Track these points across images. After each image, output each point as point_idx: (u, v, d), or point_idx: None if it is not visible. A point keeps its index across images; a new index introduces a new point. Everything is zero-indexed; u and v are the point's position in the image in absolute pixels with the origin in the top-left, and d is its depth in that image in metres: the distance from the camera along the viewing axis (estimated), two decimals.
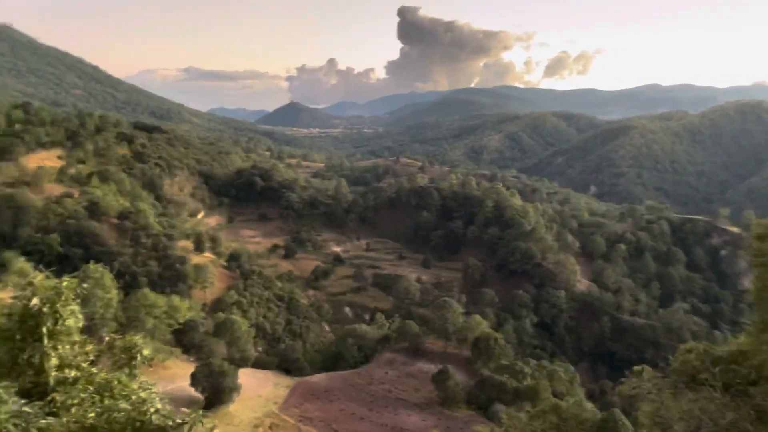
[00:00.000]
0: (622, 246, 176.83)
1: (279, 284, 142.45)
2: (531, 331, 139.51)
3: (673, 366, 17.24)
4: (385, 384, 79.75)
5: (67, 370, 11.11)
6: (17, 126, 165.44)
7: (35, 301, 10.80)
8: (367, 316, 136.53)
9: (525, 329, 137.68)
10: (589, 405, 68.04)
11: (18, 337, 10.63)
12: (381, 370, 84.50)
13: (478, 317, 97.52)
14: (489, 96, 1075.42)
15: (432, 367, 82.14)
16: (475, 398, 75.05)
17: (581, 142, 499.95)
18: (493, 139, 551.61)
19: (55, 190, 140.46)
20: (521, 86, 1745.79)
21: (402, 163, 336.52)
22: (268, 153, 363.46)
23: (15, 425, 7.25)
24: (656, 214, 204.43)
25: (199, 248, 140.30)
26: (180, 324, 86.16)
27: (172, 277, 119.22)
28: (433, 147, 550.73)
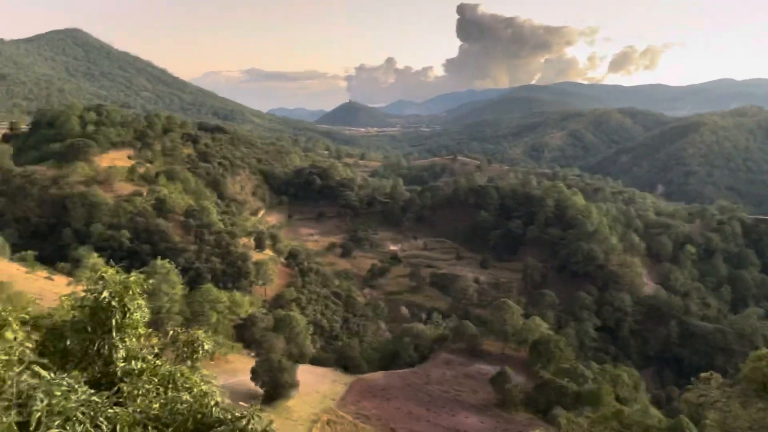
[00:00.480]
0: (691, 248, 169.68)
1: (336, 282, 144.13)
2: (593, 334, 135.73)
3: (743, 373, 16.44)
4: (442, 384, 79.35)
5: (133, 362, 11.50)
6: (90, 127, 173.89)
7: (105, 294, 11.25)
8: (423, 316, 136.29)
9: (587, 332, 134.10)
10: (655, 412, 65.59)
11: (89, 329, 11.08)
12: (438, 370, 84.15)
13: (537, 319, 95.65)
14: (550, 93, 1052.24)
15: (490, 369, 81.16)
16: (534, 401, 73.68)
17: (648, 139, 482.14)
18: (554, 137, 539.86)
19: (126, 188, 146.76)
20: (584, 82, 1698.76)
21: (460, 161, 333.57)
22: (326, 152, 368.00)
23: (83, 413, 7.53)
24: (728, 214, 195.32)
25: (259, 246, 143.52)
26: (242, 319, 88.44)
27: (234, 274, 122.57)
28: (492, 145, 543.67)
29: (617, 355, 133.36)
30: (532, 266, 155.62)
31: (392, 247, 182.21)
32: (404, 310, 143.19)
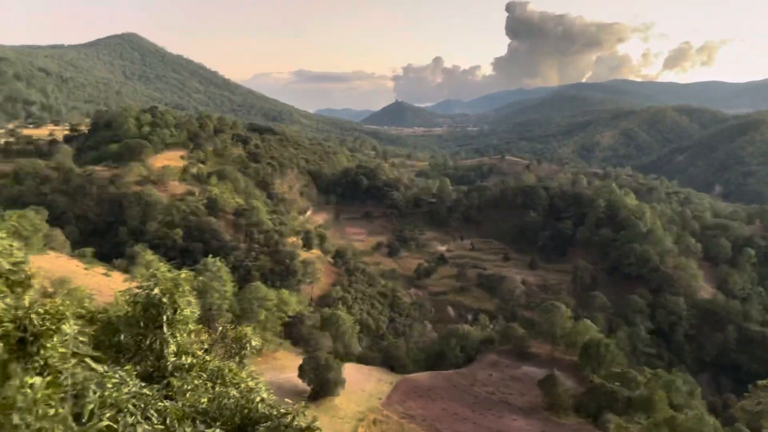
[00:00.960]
0: (751, 250, 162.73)
1: (382, 282, 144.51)
2: (646, 338, 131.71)
3: None
4: (488, 386, 78.46)
5: (183, 357, 11.78)
6: (146, 128, 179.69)
7: (156, 291, 11.55)
8: (469, 317, 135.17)
9: (639, 336, 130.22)
10: (710, 419, 63.19)
11: (141, 324, 11.41)
12: (484, 372, 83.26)
13: (587, 322, 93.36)
14: (602, 90, 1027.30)
15: (538, 372, 79.79)
16: (583, 406, 71.98)
17: (705, 138, 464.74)
18: (605, 136, 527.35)
19: (179, 188, 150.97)
20: (638, 80, 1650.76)
21: (508, 161, 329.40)
22: (373, 152, 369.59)
23: (134, 405, 7.74)
24: None
25: (307, 245, 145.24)
26: (289, 317, 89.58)
27: (282, 272, 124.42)
28: (541, 145, 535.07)
29: (671, 360, 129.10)
30: (582, 268, 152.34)
31: (439, 248, 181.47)
32: (450, 310, 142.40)
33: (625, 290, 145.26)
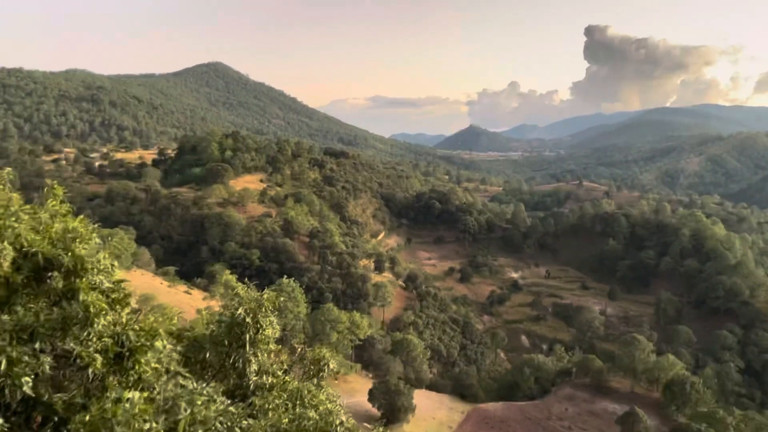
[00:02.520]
0: None
1: (454, 307, 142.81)
2: (736, 377, 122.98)
3: None
4: (564, 420, 75.51)
5: (264, 377, 11.96)
6: (228, 153, 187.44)
7: (240, 311, 11.83)
8: (545, 347, 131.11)
9: (728, 374, 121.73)
10: None
11: (226, 342, 11.69)
12: (560, 405, 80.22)
13: (671, 357, 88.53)
14: (687, 115, 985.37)
15: (617, 408, 76.10)
16: None
17: None
18: (691, 162, 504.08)
19: (257, 210, 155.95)
20: (726, 104, 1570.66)
21: (586, 187, 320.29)
22: (446, 177, 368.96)
23: (221, 423, 7.89)
24: None
25: (378, 268, 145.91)
26: (360, 340, 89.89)
27: (354, 294, 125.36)
28: (621, 170, 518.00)
29: (764, 401, 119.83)
30: (665, 300, 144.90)
31: (512, 274, 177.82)
32: (525, 339, 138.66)
33: (713, 325, 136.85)
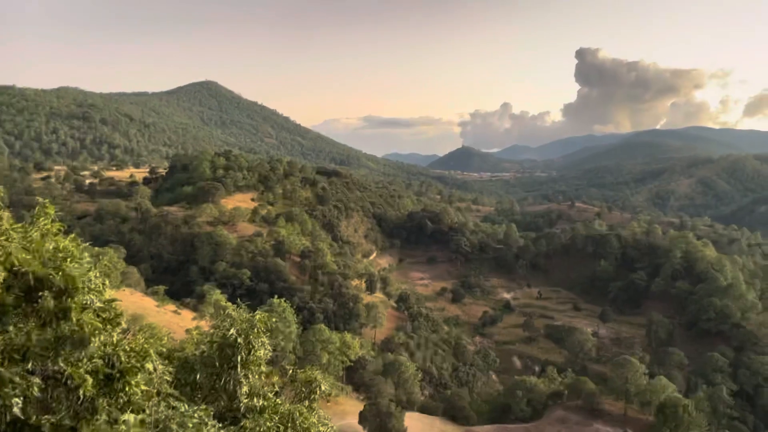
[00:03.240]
0: None
1: (446, 328, 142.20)
2: (728, 400, 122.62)
3: None
4: None
5: (255, 399, 11.84)
6: (220, 171, 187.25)
7: (232, 331, 11.73)
8: (537, 368, 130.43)
9: (721, 397, 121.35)
10: None
11: (217, 363, 11.58)
12: (553, 428, 79.70)
13: (664, 379, 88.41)
14: (677, 138, 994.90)
15: (610, 431, 75.71)
16: None
17: None
18: (681, 184, 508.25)
19: (248, 229, 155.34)
20: (715, 127, 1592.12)
21: (577, 208, 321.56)
22: (438, 197, 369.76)
23: None
24: None
25: (370, 288, 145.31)
26: (351, 361, 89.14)
27: (345, 315, 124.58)
28: (612, 192, 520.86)
29: (756, 425, 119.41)
30: (657, 321, 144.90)
31: (504, 295, 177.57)
32: (517, 361, 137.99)
33: (705, 347, 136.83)
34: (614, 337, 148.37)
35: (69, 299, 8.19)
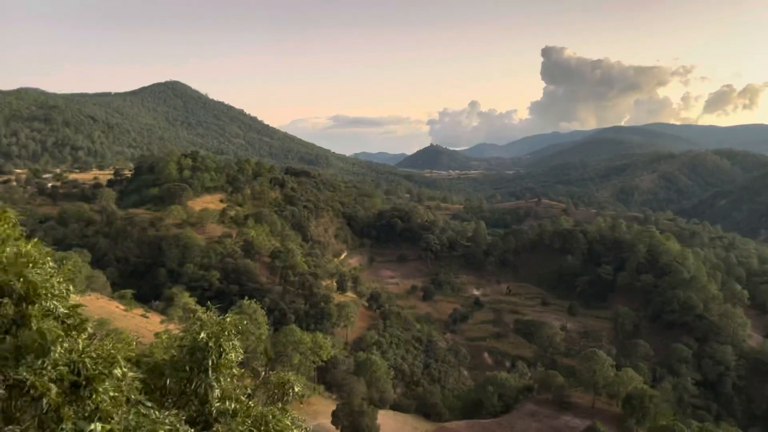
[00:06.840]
0: None
1: (417, 326, 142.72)
2: (692, 389, 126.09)
3: None
4: None
5: (227, 402, 11.65)
6: (187, 173, 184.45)
7: (203, 335, 11.52)
8: (507, 363, 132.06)
9: (685, 387, 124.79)
10: None
11: (187, 368, 11.35)
12: (523, 422, 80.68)
13: (630, 371, 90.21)
14: (640, 134, 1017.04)
15: (579, 423, 77.02)
16: None
17: (748, 181, 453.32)
18: (644, 180, 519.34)
19: (217, 230, 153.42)
20: (677, 123, 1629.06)
21: (544, 204, 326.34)
22: (408, 195, 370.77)
23: None
24: None
25: (341, 287, 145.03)
26: (323, 361, 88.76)
27: (316, 315, 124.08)
28: (578, 188, 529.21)
29: (720, 413, 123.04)
30: (623, 314, 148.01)
31: (474, 292, 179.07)
32: (487, 356, 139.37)
33: (669, 338, 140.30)
34: (582, 330, 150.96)
35: (30, 306, 7.94)
